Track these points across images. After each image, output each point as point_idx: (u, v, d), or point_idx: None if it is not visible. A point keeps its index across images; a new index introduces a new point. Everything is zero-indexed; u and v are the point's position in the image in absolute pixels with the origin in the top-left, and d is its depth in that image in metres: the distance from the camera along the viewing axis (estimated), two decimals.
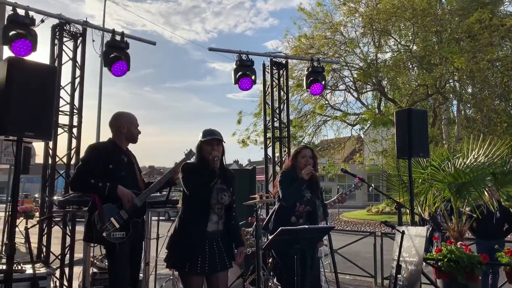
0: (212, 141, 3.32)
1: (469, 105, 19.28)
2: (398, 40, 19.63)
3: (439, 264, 4.67)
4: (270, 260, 5.84)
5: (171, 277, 5.49)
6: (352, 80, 19.86)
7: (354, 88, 20.13)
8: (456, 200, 5.40)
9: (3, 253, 3.70)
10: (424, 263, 4.29)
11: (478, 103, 17.56)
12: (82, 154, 5.30)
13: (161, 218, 5.51)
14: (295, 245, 3.33)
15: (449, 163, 5.47)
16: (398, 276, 3.83)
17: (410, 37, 19.24)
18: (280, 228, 3.27)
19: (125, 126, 3.64)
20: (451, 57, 15.80)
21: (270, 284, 5.70)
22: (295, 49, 18.71)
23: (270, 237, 3.87)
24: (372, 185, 5.58)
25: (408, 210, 4.96)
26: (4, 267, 3.16)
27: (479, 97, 17.70)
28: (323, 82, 6.89)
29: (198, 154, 3.42)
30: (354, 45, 19.09)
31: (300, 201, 4.18)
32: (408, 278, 3.92)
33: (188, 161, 3.56)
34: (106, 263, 4.93)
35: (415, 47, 18.87)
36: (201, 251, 3.23)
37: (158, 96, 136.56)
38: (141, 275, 4.48)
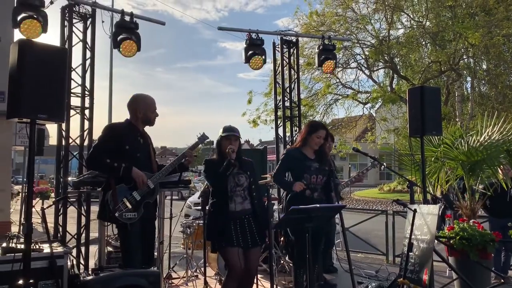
0: (230, 136, 3.76)
1: (483, 82, 18.93)
2: (411, 16, 19.21)
3: (451, 242, 4.68)
4: (281, 239, 5.91)
5: (185, 255, 5.59)
6: (363, 57, 19.57)
7: (365, 66, 19.84)
8: (469, 178, 5.36)
9: (21, 232, 3.78)
10: (436, 241, 4.29)
11: (493, 80, 17.22)
12: (95, 135, 5.38)
13: (174, 197, 5.57)
14: (306, 224, 3.35)
15: (462, 141, 5.41)
16: (410, 254, 3.84)
17: (423, 13, 18.81)
18: (291, 207, 3.30)
19: (141, 111, 3.68)
20: (465, 32, 15.42)
21: (282, 261, 5.78)
22: (306, 27, 18.44)
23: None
24: (384, 163, 5.56)
25: (419, 189, 4.94)
26: (23, 246, 3.23)
27: (493, 73, 17.34)
28: (334, 60, 6.82)
29: (217, 149, 3.81)
30: (366, 21, 18.75)
31: (308, 172, 4.19)
32: (420, 256, 3.93)
33: (210, 158, 3.94)
34: None
35: (428, 23, 18.46)
36: (233, 228, 3.65)
37: (169, 76, 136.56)
38: (155, 253, 4.56)
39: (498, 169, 5.43)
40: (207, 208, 3.87)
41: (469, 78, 19.32)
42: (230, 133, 3.78)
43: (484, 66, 18.70)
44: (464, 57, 18.35)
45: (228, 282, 3.65)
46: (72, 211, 5.32)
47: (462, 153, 5.27)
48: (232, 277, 3.61)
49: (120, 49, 5.33)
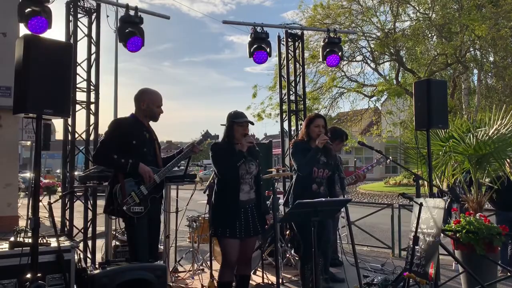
0: (243, 123, 3.69)
1: (490, 74, 18.77)
2: (417, 8, 19.03)
3: (457, 235, 4.66)
4: (287, 232, 5.92)
5: (191, 249, 5.62)
6: (369, 50, 19.45)
7: (371, 58, 19.73)
8: (476, 171, 5.33)
9: (29, 227, 3.81)
10: (442, 235, 4.28)
11: (500, 72, 17.08)
12: (100, 129, 5.40)
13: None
14: (312, 218, 3.35)
15: (471, 135, 5.36)
16: (416, 247, 3.83)
17: (429, 5, 18.64)
18: (296, 201, 3.29)
19: (144, 103, 3.67)
20: (472, 24, 15.28)
21: (287, 255, 5.79)
22: (311, 20, 18.35)
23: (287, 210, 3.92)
24: (390, 157, 5.54)
25: (426, 182, 4.92)
26: (30, 240, 3.26)
27: (501, 66, 17.19)
28: (339, 53, 6.75)
29: (228, 134, 3.73)
30: (371, 14, 18.63)
31: (316, 166, 4.20)
32: (426, 250, 3.92)
33: (217, 142, 3.83)
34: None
35: (434, 15, 18.30)
36: (237, 218, 3.63)
37: (177, 71, 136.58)
38: (161, 247, 4.59)
39: (505, 162, 5.39)
40: (213, 194, 3.83)
41: (475, 71, 19.18)
42: (244, 119, 3.72)
43: (491, 59, 18.54)
44: (471, 49, 18.19)
45: (223, 269, 3.77)
46: (78, 205, 5.35)
47: (471, 146, 5.23)
48: (226, 267, 3.73)
49: (125, 44, 5.33)
